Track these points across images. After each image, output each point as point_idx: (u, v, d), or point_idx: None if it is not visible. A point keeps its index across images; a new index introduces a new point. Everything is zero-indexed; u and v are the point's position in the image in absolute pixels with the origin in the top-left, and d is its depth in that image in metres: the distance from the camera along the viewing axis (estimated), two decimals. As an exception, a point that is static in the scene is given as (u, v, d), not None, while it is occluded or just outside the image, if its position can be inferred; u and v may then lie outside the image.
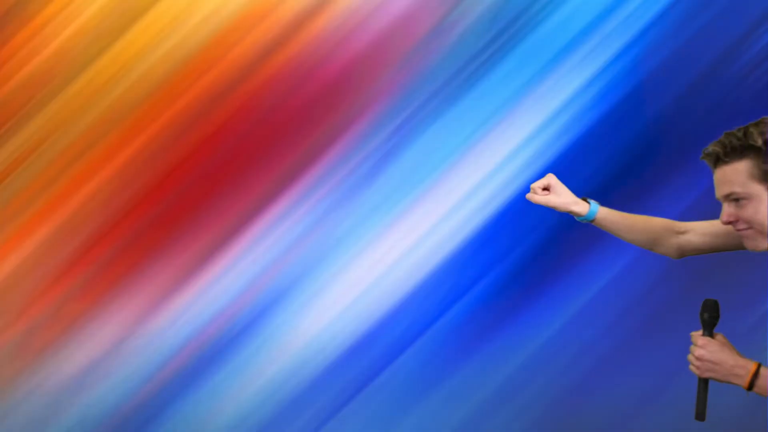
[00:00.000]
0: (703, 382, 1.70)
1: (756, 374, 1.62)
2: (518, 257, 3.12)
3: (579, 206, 2.02)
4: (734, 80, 3.06)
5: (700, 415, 1.70)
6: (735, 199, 1.66)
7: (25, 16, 3.27)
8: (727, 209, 1.68)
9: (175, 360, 3.18)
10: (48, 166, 3.26)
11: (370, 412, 3.12)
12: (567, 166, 3.05)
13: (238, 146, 3.26)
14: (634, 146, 3.09)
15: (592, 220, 2.03)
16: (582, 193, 2.03)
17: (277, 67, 3.25)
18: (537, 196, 2.03)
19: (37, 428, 3.14)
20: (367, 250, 3.20)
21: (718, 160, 1.69)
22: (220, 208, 3.25)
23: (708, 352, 1.67)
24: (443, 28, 3.19)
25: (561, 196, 2.02)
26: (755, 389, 1.62)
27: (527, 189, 2.71)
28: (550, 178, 2.04)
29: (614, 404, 2.88)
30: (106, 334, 3.20)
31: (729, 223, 1.68)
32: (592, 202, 2.03)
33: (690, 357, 1.70)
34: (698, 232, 1.99)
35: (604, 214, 2.03)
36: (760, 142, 1.62)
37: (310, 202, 3.22)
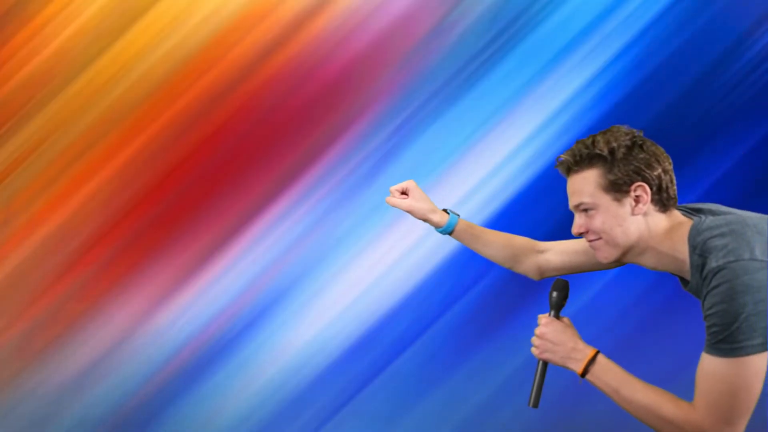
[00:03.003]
0: (542, 367, 1.64)
1: (592, 360, 1.58)
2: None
3: (437, 216, 1.97)
4: (734, 80, 3.06)
5: (534, 402, 1.63)
6: (584, 209, 1.62)
7: (25, 16, 3.27)
8: (578, 220, 1.64)
9: (176, 360, 3.18)
10: (48, 166, 3.26)
11: (370, 412, 3.13)
12: (567, 166, 3.05)
13: (238, 146, 3.27)
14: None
15: (451, 233, 1.98)
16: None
17: (277, 67, 3.25)
18: (394, 199, 1.98)
19: (37, 428, 3.14)
20: (367, 250, 3.20)
21: (569, 170, 1.64)
22: (220, 208, 3.25)
23: (550, 330, 1.63)
24: (443, 28, 3.19)
25: (419, 202, 1.97)
26: (589, 376, 1.58)
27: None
28: (410, 183, 1.99)
29: (614, 404, 2.88)
30: (106, 334, 3.20)
31: (580, 234, 1.64)
32: (452, 213, 1.98)
33: (533, 338, 1.65)
34: (557, 250, 1.95)
35: (463, 227, 1.98)
36: (606, 151, 1.58)
37: (310, 202, 3.22)
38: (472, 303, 3.17)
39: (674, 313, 2.97)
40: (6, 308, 3.22)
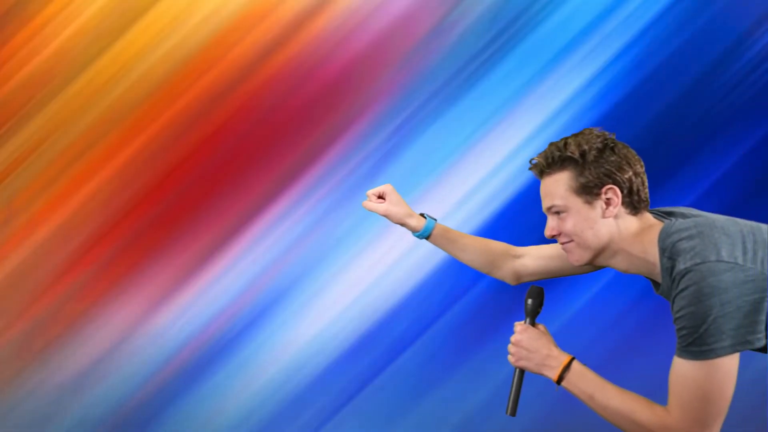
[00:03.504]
0: (519, 375, 1.64)
1: (567, 367, 1.58)
2: (518, 257, 3.11)
3: (414, 220, 1.94)
4: (734, 80, 3.06)
5: (512, 410, 1.63)
6: (556, 211, 1.62)
7: (25, 16, 3.27)
8: (550, 222, 1.64)
9: (176, 360, 3.18)
10: (48, 166, 3.26)
11: (370, 412, 3.13)
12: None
13: (238, 146, 3.27)
14: (633, 147, 3.09)
15: (428, 237, 1.96)
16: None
17: (277, 67, 3.25)
18: (371, 204, 1.95)
19: (37, 428, 3.14)
20: (367, 250, 3.20)
21: (542, 172, 1.65)
22: (220, 208, 3.25)
23: (525, 338, 1.63)
24: (443, 28, 3.19)
25: (396, 206, 1.94)
26: (564, 383, 1.58)
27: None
28: (386, 187, 1.96)
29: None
30: (106, 334, 3.20)
31: (552, 236, 1.64)
32: (429, 218, 1.96)
33: (509, 346, 1.65)
34: (533, 255, 1.95)
35: (440, 231, 1.96)
36: (577, 153, 1.58)
37: (310, 202, 3.23)
38: (472, 303, 3.17)
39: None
40: (6, 308, 3.23)
